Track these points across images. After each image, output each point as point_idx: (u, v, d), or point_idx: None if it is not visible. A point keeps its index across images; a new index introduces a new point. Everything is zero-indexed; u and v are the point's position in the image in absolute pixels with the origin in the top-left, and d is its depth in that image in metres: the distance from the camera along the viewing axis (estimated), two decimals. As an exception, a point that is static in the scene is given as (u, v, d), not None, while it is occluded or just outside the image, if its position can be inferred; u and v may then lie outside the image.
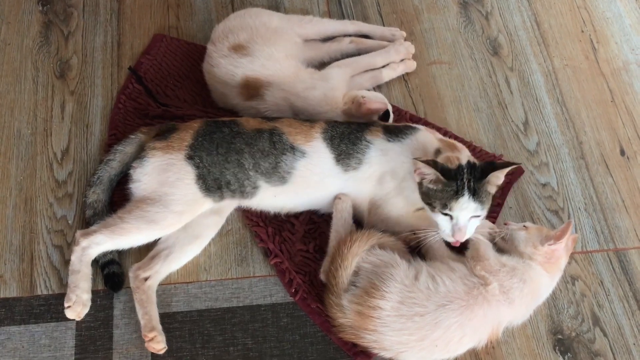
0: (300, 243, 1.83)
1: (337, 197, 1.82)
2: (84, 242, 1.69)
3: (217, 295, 1.77)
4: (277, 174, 1.73)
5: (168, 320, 1.72)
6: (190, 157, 1.70)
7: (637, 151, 2.05)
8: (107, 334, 1.70)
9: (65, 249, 1.81)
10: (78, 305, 1.69)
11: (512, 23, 2.29)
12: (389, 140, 1.77)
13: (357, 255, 1.70)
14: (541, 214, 1.92)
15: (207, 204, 1.73)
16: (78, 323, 1.71)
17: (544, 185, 1.97)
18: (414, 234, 1.76)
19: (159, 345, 1.66)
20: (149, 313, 1.67)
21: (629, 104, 2.13)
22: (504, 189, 1.94)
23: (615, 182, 1.99)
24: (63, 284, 1.76)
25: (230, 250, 1.83)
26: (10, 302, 1.74)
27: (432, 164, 1.62)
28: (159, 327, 1.67)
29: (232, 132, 1.74)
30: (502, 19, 2.30)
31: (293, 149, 1.75)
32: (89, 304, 1.71)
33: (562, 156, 2.03)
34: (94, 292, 1.74)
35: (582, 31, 2.29)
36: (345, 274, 1.67)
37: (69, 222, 1.86)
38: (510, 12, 2.32)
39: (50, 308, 1.73)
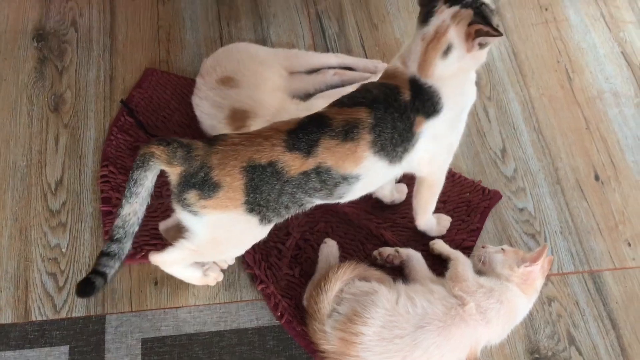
0: (287, 268, 1.90)
1: (323, 242, 1.90)
2: (165, 269, 1.79)
3: (205, 320, 1.83)
4: (335, 196, 1.67)
5: (158, 344, 1.78)
6: (251, 210, 1.61)
7: (611, 176, 2.12)
8: (98, 358, 1.76)
9: (58, 276, 1.88)
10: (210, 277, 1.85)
11: (490, 54, 2.37)
12: (433, 118, 1.65)
13: (341, 281, 1.76)
14: (518, 238, 1.99)
15: (269, 227, 1.72)
16: (71, 347, 1.77)
17: (521, 209, 2.05)
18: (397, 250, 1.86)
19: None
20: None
21: (603, 131, 2.22)
22: (482, 214, 2.01)
23: (590, 206, 2.06)
24: (57, 310, 1.82)
25: (219, 276, 1.90)
26: (6, 328, 1.80)
27: None
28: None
29: (279, 181, 1.58)
30: (480, 51, 2.38)
31: (345, 178, 1.62)
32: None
33: (538, 182, 2.10)
34: (87, 318, 1.81)
35: (558, 61, 2.38)
36: (327, 299, 1.73)
37: (62, 250, 1.92)
38: (488, 44, 2.40)
39: (44, 333, 1.79)
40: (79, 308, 1.84)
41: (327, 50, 2.36)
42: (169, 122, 2.17)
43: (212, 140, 1.59)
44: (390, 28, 2.42)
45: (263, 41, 2.38)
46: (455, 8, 1.58)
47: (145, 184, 1.60)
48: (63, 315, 1.82)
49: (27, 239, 1.94)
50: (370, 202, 2.03)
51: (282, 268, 1.90)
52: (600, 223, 2.03)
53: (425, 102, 1.61)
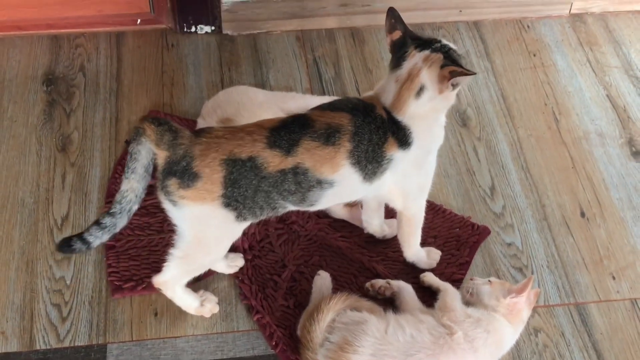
0: (282, 299, 1.97)
1: (316, 274, 1.98)
2: (167, 292, 1.87)
3: (203, 349, 1.89)
4: (306, 202, 1.73)
5: (157, 372, 1.85)
6: (227, 205, 1.66)
7: (597, 213, 2.20)
8: (100, 385, 1.83)
9: (62, 307, 1.95)
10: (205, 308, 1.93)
11: (479, 97, 2.48)
12: (404, 150, 1.74)
13: (333, 311, 1.83)
14: (506, 271, 2.06)
15: (244, 225, 1.79)
16: (73, 375, 1.84)
17: (509, 244, 2.12)
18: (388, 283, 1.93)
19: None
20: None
21: (588, 170, 2.30)
22: (471, 248, 2.09)
23: (576, 242, 2.13)
24: (60, 339, 1.89)
25: (216, 307, 1.97)
26: (11, 356, 1.87)
27: None
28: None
29: (256, 177, 1.64)
30: (470, 94, 2.49)
31: (320, 182, 1.69)
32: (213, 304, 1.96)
33: (526, 218, 2.18)
34: (89, 347, 1.88)
35: (545, 104, 2.48)
36: (319, 329, 1.79)
37: (67, 282, 2.00)
38: (478, 87, 2.51)
39: (47, 362, 1.86)
40: (82, 337, 1.90)
41: (323, 93, 2.47)
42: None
43: (198, 132, 1.67)
44: (384, 72, 2.51)
45: (262, 85, 2.49)
46: (426, 52, 1.69)
47: (139, 159, 1.68)
48: (66, 344, 1.89)
49: (34, 271, 2.02)
50: (363, 237, 2.11)
51: (277, 299, 1.97)
52: (586, 257, 2.10)
53: (398, 130, 1.71)
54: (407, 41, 1.72)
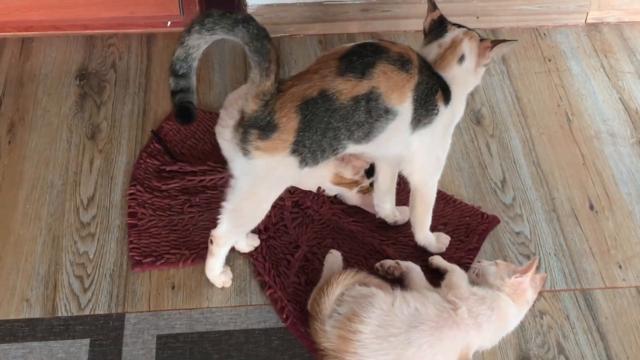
0: (294, 277, 2.04)
1: (329, 252, 2.05)
2: (215, 247, 1.94)
3: (216, 320, 1.97)
4: (367, 138, 1.77)
5: (171, 340, 1.92)
6: (294, 152, 1.72)
7: (605, 206, 2.25)
8: (116, 350, 1.90)
9: (85, 279, 2.04)
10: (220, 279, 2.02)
11: (494, 98, 2.56)
12: (445, 106, 1.86)
13: (343, 286, 1.89)
14: (514, 258, 2.12)
15: (302, 173, 1.83)
16: (92, 340, 1.92)
17: (517, 233, 2.17)
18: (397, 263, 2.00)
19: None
20: None
21: (599, 167, 2.35)
22: (480, 235, 2.14)
23: (584, 232, 2.18)
24: (81, 308, 1.98)
25: (231, 282, 2.04)
26: (34, 322, 1.96)
27: None
28: None
29: (328, 111, 1.68)
30: (485, 95, 2.56)
31: (387, 112, 1.74)
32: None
33: (535, 209, 2.23)
34: (108, 315, 1.97)
35: (559, 105, 2.54)
36: (329, 301, 1.86)
37: (90, 257, 2.10)
38: (493, 89, 2.59)
39: (68, 328, 1.94)
40: (102, 307, 1.99)
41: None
42: (194, 150, 2.37)
43: (279, 86, 1.70)
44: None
45: (283, 83, 2.58)
46: (464, 29, 1.88)
47: (194, 54, 1.70)
48: (87, 312, 1.98)
49: (59, 246, 2.12)
50: (375, 222, 2.18)
51: (289, 277, 2.04)
52: (593, 247, 2.15)
53: (443, 86, 1.84)
54: (444, 20, 1.90)
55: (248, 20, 1.63)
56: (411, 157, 1.90)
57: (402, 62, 1.74)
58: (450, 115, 1.88)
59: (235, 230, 1.93)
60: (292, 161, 1.74)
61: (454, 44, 1.85)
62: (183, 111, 1.77)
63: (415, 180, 1.96)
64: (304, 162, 1.75)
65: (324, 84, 1.68)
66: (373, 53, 1.73)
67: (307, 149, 1.73)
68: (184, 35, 1.67)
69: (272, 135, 1.69)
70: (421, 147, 1.87)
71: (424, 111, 1.80)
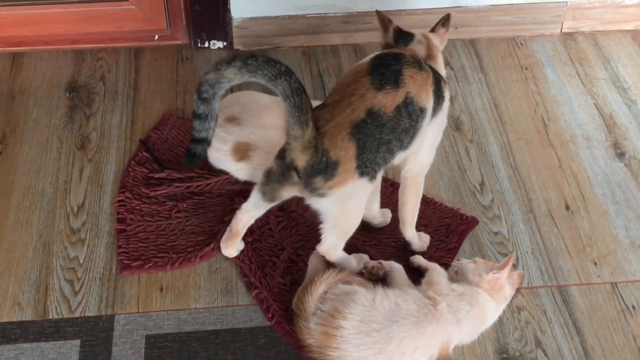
0: (280, 277, 2.10)
1: (313, 253, 2.10)
2: (330, 258, 2.01)
3: (203, 320, 2.02)
4: (411, 142, 1.86)
5: (160, 340, 1.98)
6: (361, 174, 1.78)
7: (581, 206, 2.32)
8: (106, 351, 1.95)
9: (75, 283, 2.10)
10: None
11: (473, 105, 2.63)
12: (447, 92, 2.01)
13: (326, 284, 1.95)
14: (492, 256, 2.18)
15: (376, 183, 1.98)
16: (82, 341, 1.97)
17: (496, 233, 2.24)
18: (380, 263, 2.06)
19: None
20: None
21: (574, 169, 2.43)
22: (460, 235, 2.21)
23: (560, 231, 2.25)
24: (72, 310, 2.03)
25: (218, 284, 2.10)
26: (25, 324, 2.01)
27: None
28: None
29: (379, 127, 1.75)
30: (464, 102, 2.64)
31: (422, 111, 1.83)
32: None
33: (513, 210, 2.31)
34: (97, 317, 2.02)
35: (535, 111, 2.62)
36: (312, 299, 1.92)
37: (80, 261, 2.15)
38: (472, 96, 2.67)
39: (59, 329, 2.00)
40: (92, 309, 2.04)
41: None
42: (181, 157, 2.43)
43: (316, 126, 1.73)
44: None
45: (269, 93, 2.64)
46: (422, 31, 2.06)
47: (224, 84, 1.74)
48: (77, 314, 2.03)
49: (50, 251, 2.17)
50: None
51: (275, 277, 2.10)
52: (569, 245, 2.22)
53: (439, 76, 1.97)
54: (401, 28, 2.05)
55: (290, 74, 1.67)
56: (420, 149, 1.98)
57: (417, 62, 1.84)
58: (446, 103, 1.99)
59: (342, 239, 1.99)
60: (363, 181, 1.81)
61: (428, 39, 2.02)
62: (194, 160, 1.92)
63: (415, 171, 2.04)
64: (371, 177, 1.82)
65: (367, 103, 1.73)
66: (395, 61, 1.80)
67: (369, 168, 1.79)
68: (222, 65, 1.70)
69: (336, 171, 1.75)
70: (430, 136, 1.97)
71: (437, 100, 1.91)
